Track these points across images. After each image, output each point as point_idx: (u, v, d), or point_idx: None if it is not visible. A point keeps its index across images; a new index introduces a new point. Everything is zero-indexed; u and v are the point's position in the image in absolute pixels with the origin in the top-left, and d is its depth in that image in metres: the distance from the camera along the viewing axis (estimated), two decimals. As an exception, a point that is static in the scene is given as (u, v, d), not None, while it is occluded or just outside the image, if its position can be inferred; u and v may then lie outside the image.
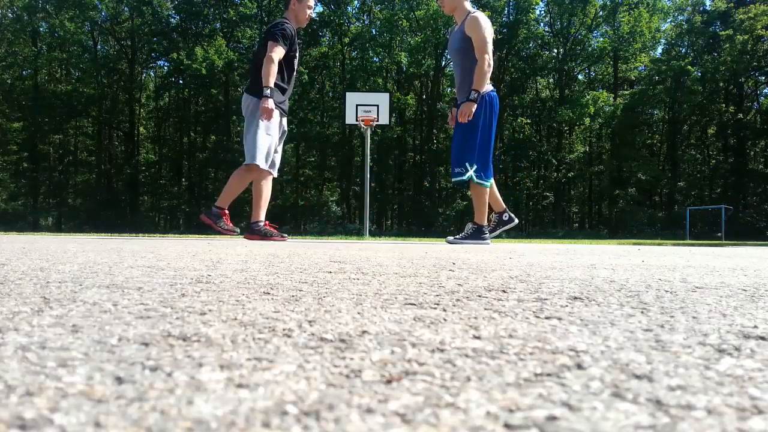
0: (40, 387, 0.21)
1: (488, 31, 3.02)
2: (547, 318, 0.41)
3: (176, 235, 8.76)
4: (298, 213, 22.68)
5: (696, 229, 18.84)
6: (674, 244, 4.50)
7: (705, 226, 20.86)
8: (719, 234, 17.39)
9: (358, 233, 10.49)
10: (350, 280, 0.69)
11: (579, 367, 0.26)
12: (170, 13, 24.96)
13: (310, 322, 0.38)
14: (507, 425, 0.18)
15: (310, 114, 23.10)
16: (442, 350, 0.29)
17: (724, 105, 24.40)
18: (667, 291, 0.64)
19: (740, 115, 23.99)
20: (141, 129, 25.49)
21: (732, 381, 0.25)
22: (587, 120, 22.43)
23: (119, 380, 0.22)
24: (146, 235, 8.22)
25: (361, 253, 1.50)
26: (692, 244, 5.22)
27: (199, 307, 0.44)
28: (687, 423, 0.19)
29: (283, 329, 0.35)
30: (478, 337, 0.33)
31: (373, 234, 11.16)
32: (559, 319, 0.42)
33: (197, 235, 9.06)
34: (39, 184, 23.85)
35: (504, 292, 0.59)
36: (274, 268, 0.84)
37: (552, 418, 0.19)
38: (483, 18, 3.10)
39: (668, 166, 25.02)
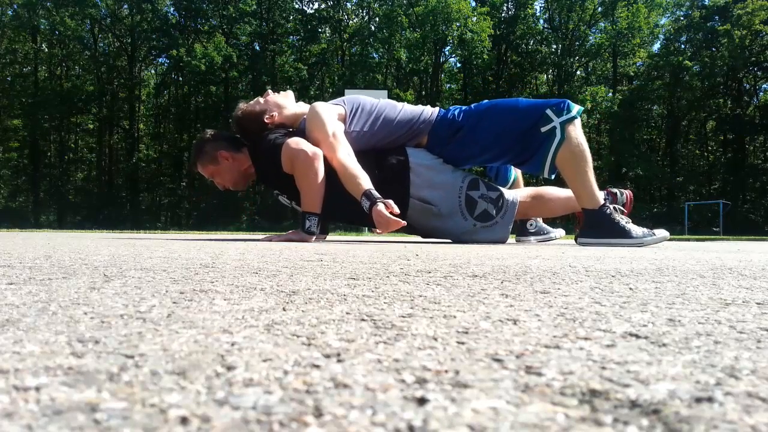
0: (146, 313, 0.45)
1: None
2: (453, 286, 0.64)
3: (182, 232, 8.91)
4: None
5: (692, 223, 19.03)
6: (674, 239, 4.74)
7: (703, 221, 21.02)
8: (717, 229, 17.60)
9: (357, 229, 10.69)
10: (321, 265, 0.93)
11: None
12: (169, 10, 25.03)
13: (278, 285, 0.62)
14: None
15: (310, 110, 23.21)
16: (345, 295, 0.53)
17: (722, 100, 24.50)
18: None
19: (739, 111, 24.07)
20: (141, 125, 25.66)
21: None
22: (583, 116, 22.63)
23: (175, 303, 0.46)
24: (151, 231, 8.39)
25: (344, 247, 1.73)
26: (690, 239, 5.45)
27: (209, 279, 0.68)
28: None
29: (260, 288, 0.58)
30: (372, 290, 0.57)
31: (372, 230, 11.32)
32: (452, 285, 0.65)
33: (198, 232, 9.21)
34: (39, 181, 24.00)
35: (438, 272, 0.83)
36: (265, 258, 1.08)
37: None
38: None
39: (667, 162, 25.15)
